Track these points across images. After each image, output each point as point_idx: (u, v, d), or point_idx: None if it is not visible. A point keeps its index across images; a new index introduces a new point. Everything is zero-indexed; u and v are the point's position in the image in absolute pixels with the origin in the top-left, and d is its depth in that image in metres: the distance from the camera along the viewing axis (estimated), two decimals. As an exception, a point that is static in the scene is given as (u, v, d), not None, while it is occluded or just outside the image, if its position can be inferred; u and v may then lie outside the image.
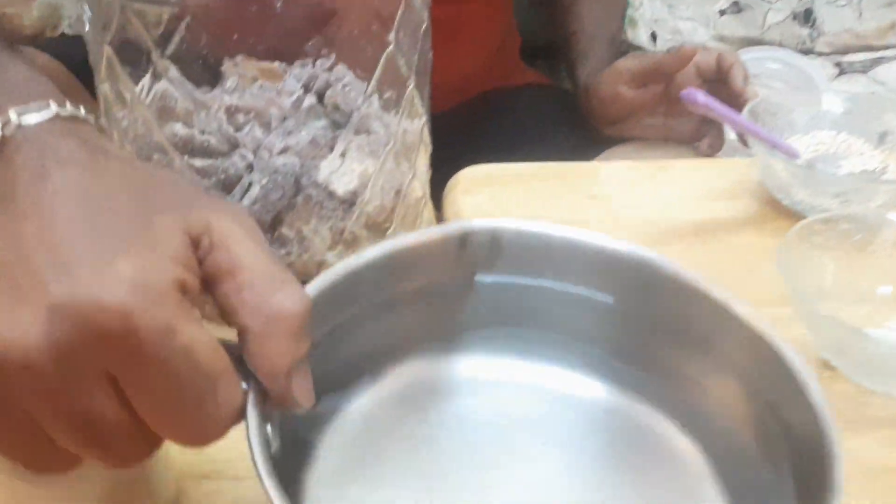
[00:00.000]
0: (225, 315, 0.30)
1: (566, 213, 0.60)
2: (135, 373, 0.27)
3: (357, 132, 0.45)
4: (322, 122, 0.44)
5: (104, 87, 0.46)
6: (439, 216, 0.63)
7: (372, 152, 0.46)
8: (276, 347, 0.30)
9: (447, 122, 0.98)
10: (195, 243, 0.29)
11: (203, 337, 0.28)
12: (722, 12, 1.29)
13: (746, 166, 0.65)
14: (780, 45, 1.32)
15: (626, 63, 0.79)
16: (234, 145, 0.44)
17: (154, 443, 0.30)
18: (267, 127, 0.44)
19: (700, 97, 0.51)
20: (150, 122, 0.44)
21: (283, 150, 0.44)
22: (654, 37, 1.31)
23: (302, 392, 0.31)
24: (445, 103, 0.97)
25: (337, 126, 0.45)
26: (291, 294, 0.30)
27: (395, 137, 0.47)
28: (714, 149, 0.78)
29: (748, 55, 1.23)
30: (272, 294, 0.30)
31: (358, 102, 0.45)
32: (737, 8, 1.29)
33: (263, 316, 0.29)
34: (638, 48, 1.31)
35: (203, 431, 0.28)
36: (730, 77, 0.73)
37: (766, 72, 1.19)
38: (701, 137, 0.79)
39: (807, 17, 1.32)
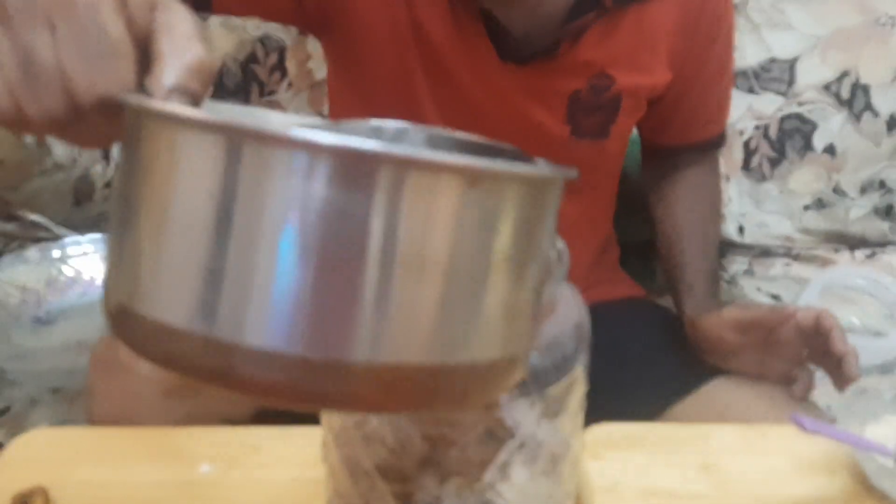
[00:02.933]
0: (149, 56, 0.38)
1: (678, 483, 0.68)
2: (64, 20, 0.36)
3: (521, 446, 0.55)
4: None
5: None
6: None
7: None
8: (170, 65, 0.37)
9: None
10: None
11: (114, 18, 0.37)
12: (806, 207, 1.39)
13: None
14: (863, 237, 1.41)
15: (732, 313, 0.89)
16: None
17: (70, 97, 0.37)
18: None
19: (808, 424, 0.59)
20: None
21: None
22: (741, 229, 1.41)
23: None
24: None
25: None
26: (210, 52, 0.38)
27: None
28: (806, 391, 0.87)
29: (836, 272, 1.32)
30: (193, 41, 0.38)
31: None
32: (821, 204, 1.39)
33: (177, 46, 0.38)
34: (726, 241, 1.41)
35: (94, 80, 0.36)
36: (830, 339, 0.82)
37: (857, 286, 1.28)
38: (794, 380, 0.88)
39: (888, 211, 1.40)
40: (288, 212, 0.32)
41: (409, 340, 0.34)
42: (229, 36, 1.37)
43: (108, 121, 0.38)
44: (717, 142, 1.07)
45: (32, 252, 1.28)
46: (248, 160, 0.32)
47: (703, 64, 0.97)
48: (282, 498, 0.68)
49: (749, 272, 1.39)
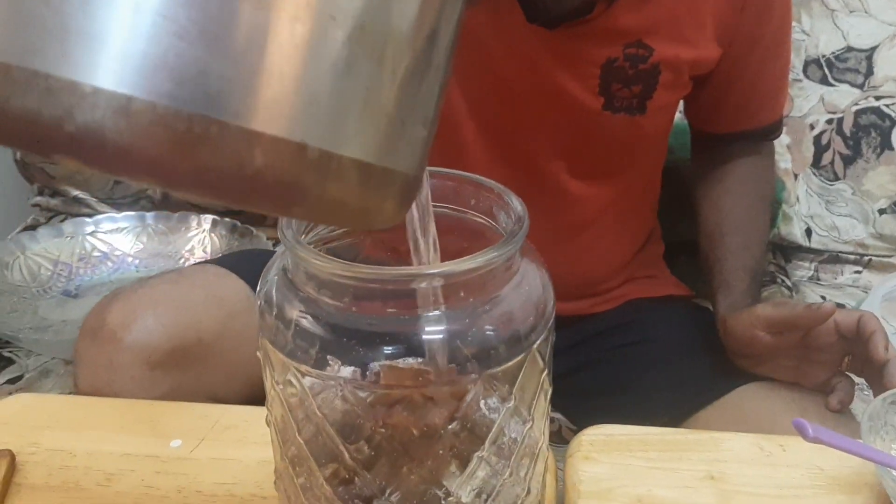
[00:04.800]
0: None
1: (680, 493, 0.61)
2: None
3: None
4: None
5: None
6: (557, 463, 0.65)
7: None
8: None
9: (592, 326, 1.01)
10: None
11: None
12: (881, 211, 1.28)
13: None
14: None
15: (765, 311, 0.80)
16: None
17: None
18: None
19: (809, 431, 0.52)
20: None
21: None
22: (808, 232, 1.30)
23: None
24: (587, 304, 1.00)
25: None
26: None
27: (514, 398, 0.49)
28: (844, 405, 0.78)
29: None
30: None
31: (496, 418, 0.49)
32: (898, 208, 1.27)
33: None
34: (792, 244, 1.31)
35: None
36: (871, 344, 0.73)
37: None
38: (831, 389, 0.78)
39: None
40: None
41: (217, 86, 0.25)
42: None
43: None
44: (772, 130, 0.99)
45: (67, 226, 1.29)
46: None
47: (756, 41, 0.89)
48: (243, 478, 0.64)
49: (814, 279, 1.29)
